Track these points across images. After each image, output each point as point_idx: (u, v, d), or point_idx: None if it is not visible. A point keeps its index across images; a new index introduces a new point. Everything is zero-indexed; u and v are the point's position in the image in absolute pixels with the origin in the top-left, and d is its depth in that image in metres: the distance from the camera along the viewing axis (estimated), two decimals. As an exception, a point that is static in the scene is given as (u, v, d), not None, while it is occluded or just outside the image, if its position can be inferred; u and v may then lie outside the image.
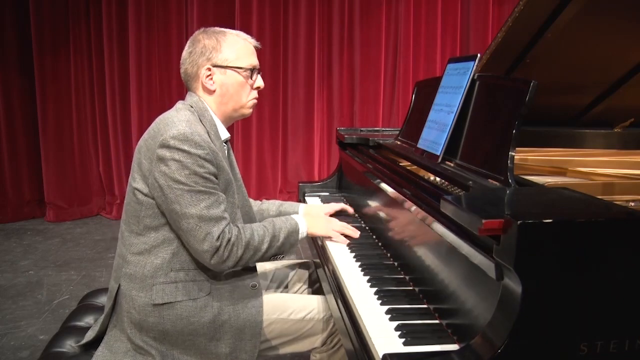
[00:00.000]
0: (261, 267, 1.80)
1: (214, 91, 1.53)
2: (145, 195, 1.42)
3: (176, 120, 1.41)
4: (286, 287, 1.84)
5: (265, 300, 1.53)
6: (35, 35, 4.44)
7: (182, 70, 1.56)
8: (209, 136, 1.46)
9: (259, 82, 1.59)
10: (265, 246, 1.49)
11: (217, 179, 1.43)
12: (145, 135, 1.46)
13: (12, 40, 4.46)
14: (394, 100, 4.82)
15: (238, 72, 1.53)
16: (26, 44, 4.48)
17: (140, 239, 1.44)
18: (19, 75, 4.55)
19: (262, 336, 1.51)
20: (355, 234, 1.73)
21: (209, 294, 1.45)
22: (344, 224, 1.75)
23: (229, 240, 1.40)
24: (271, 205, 1.90)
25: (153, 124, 1.46)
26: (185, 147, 1.36)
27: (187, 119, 1.43)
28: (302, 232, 1.61)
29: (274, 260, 1.57)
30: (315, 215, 1.76)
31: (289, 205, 1.91)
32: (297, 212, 1.85)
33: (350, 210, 1.97)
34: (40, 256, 3.79)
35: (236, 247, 1.42)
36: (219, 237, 1.38)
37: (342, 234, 1.72)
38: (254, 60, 1.56)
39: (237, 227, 1.46)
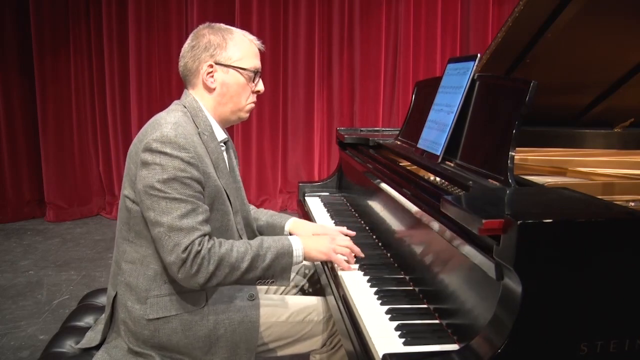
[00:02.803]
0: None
1: (214, 89, 1.48)
2: (133, 202, 1.37)
3: (163, 123, 1.36)
4: (286, 288, 1.82)
5: (263, 303, 1.50)
6: (35, 35, 4.43)
7: (181, 64, 1.50)
8: (201, 137, 1.42)
9: (260, 86, 1.54)
10: (245, 265, 1.35)
11: (201, 185, 1.37)
12: (135, 139, 1.41)
13: (12, 40, 4.46)
14: (394, 100, 4.82)
15: (241, 73, 1.48)
16: (26, 44, 4.48)
17: (132, 246, 1.41)
18: (19, 75, 4.55)
19: (260, 340, 1.49)
20: (360, 255, 1.57)
21: (204, 307, 1.41)
22: (349, 243, 1.56)
23: (197, 252, 1.29)
24: (262, 214, 1.79)
25: (143, 128, 1.41)
26: (168, 150, 1.31)
27: (176, 120, 1.37)
28: (297, 256, 1.45)
29: (263, 285, 1.43)
30: (314, 236, 1.57)
31: (279, 217, 1.78)
32: (282, 226, 1.74)
33: (352, 233, 1.70)
34: (40, 256, 3.78)
35: (207, 262, 1.30)
36: (186, 248, 1.28)
37: (346, 254, 1.53)
38: (257, 63, 1.52)
39: (214, 240, 1.35)
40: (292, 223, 1.76)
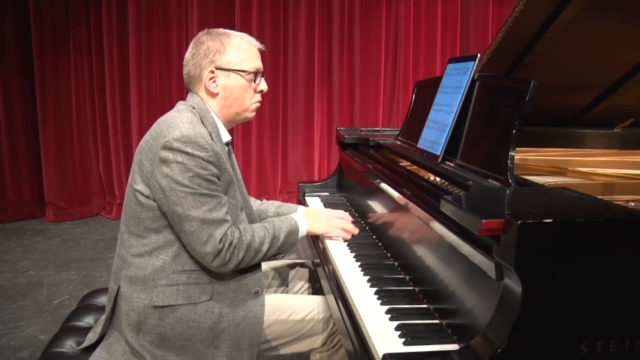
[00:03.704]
0: (262, 267, 1.80)
1: (217, 94, 1.51)
2: (146, 197, 1.41)
3: (179, 122, 1.39)
4: (286, 287, 1.83)
5: (265, 301, 1.52)
6: (35, 35, 4.43)
7: (184, 72, 1.54)
8: (211, 137, 1.45)
9: (263, 85, 1.57)
10: (265, 247, 1.49)
11: (219, 180, 1.43)
12: (147, 136, 1.45)
13: (12, 40, 4.46)
14: (394, 100, 4.82)
15: (242, 76, 1.51)
16: (26, 44, 4.48)
17: (140, 240, 1.43)
18: (19, 75, 4.55)
19: (263, 337, 1.50)
20: (355, 230, 1.74)
21: (210, 299, 1.43)
22: (344, 220, 1.75)
23: (230, 242, 1.40)
24: (270, 206, 1.88)
25: (155, 125, 1.45)
26: (189, 150, 1.35)
27: (190, 120, 1.41)
28: (302, 231, 1.61)
29: (274, 260, 1.57)
30: (315, 214, 1.74)
31: (287, 207, 1.88)
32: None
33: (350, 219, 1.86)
34: (40, 256, 3.79)
35: (237, 250, 1.42)
36: (221, 239, 1.38)
37: (342, 231, 1.73)
38: (258, 64, 1.55)
39: (239, 229, 1.45)
40: (303, 211, 1.84)
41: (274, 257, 1.56)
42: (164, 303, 1.40)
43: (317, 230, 1.69)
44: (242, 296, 1.47)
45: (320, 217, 1.73)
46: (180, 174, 1.35)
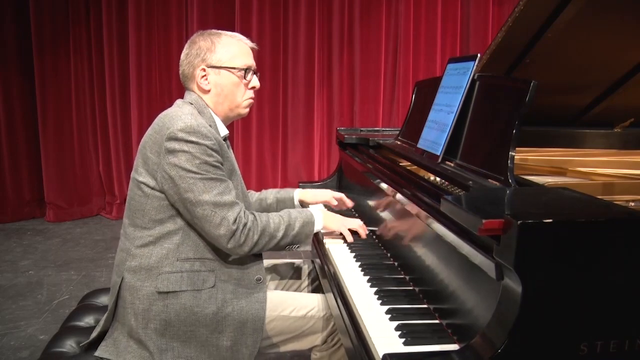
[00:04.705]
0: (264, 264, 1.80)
1: (209, 91, 1.56)
2: (152, 188, 1.45)
3: (181, 114, 1.44)
4: (286, 285, 1.84)
5: (267, 289, 1.54)
6: (35, 35, 4.44)
7: (180, 72, 1.60)
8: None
9: (254, 81, 1.61)
10: (280, 234, 1.52)
11: (224, 167, 1.48)
12: (150, 131, 1.49)
13: (12, 40, 4.46)
14: (394, 100, 4.82)
15: (232, 72, 1.56)
16: (26, 44, 4.48)
17: (145, 232, 1.46)
18: (19, 75, 4.55)
19: (264, 333, 1.51)
20: (364, 234, 1.75)
21: (213, 286, 1.47)
22: (360, 222, 1.76)
23: (245, 224, 1.44)
24: (269, 193, 1.91)
25: (157, 120, 1.49)
26: (193, 139, 1.40)
27: (191, 112, 1.47)
28: (318, 224, 1.63)
29: (289, 250, 1.60)
30: (331, 213, 1.77)
31: (285, 191, 1.92)
32: (292, 197, 1.89)
33: (349, 203, 1.93)
34: (40, 256, 3.79)
35: (252, 232, 1.46)
36: (235, 221, 1.42)
37: (359, 228, 1.74)
38: (248, 61, 1.59)
39: (253, 213, 1.50)
40: (300, 193, 1.92)
41: (289, 246, 1.58)
42: (168, 289, 1.43)
43: (332, 226, 1.71)
44: (244, 283, 1.51)
45: (336, 216, 1.75)
46: (188, 162, 1.39)
